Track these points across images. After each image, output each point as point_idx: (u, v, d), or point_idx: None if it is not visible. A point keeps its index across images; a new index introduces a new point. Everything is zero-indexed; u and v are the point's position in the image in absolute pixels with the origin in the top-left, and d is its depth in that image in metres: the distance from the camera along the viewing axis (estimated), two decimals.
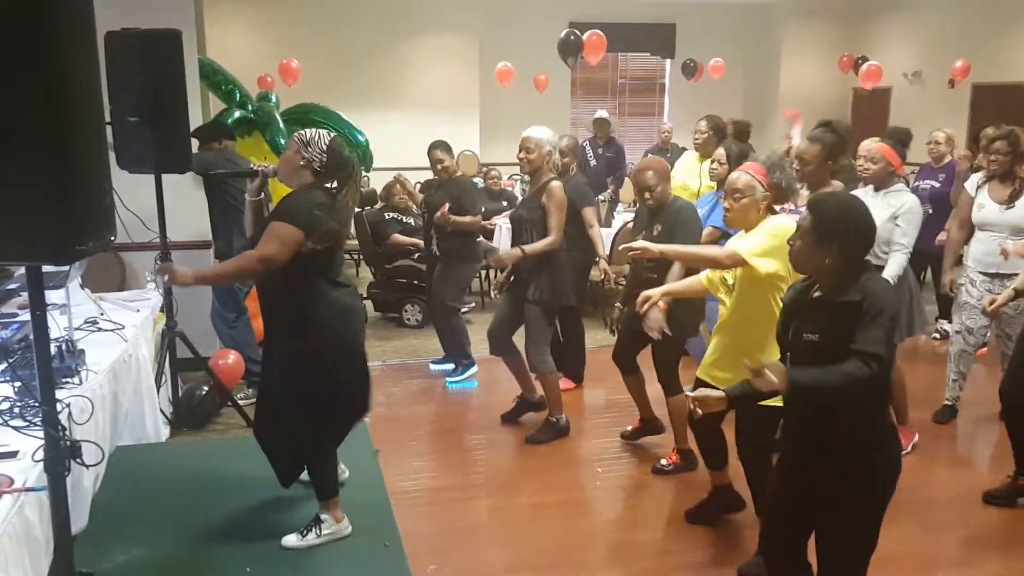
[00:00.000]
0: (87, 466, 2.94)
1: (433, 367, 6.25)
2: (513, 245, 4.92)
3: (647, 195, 4.36)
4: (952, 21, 12.06)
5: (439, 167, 5.83)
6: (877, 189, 4.48)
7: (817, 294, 2.60)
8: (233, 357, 5.24)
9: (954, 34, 11.94)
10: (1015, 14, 11.04)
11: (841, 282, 2.53)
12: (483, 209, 6.14)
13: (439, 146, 5.86)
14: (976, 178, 5.08)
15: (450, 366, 6.10)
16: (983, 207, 4.89)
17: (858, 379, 2.36)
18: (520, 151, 4.81)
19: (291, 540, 3.68)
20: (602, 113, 9.02)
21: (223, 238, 5.42)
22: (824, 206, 2.60)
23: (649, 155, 9.49)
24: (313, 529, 3.69)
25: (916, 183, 6.42)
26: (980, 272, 4.88)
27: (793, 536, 2.77)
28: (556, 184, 4.78)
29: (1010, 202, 4.76)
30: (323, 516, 3.72)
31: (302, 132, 3.61)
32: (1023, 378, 4.03)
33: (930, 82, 12.48)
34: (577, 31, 10.48)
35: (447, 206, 5.60)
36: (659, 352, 4.36)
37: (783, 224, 3.32)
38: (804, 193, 4.14)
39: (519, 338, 5.02)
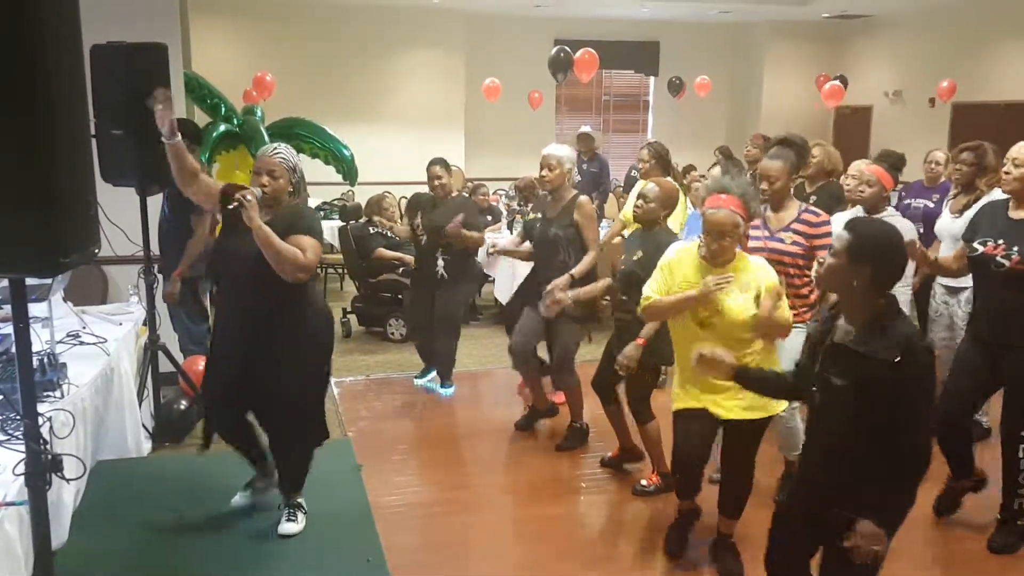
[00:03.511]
0: (68, 480, 2.92)
1: (419, 382, 6.17)
2: (542, 266, 4.88)
3: (639, 202, 4.34)
4: (933, 41, 12.24)
5: (436, 183, 5.72)
6: (869, 212, 4.49)
7: (850, 332, 2.55)
8: None
9: (935, 54, 12.11)
10: (994, 34, 11.22)
11: (863, 310, 2.52)
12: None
13: (439, 163, 5.79)
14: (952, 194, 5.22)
15: (432, 375, 6.10)
16: (942, 219, 5.08)
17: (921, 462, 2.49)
18: (542, 169, 4.81)
19: (290, 528, 3.87)
20: (586, 128, 9.07)
21: (174, 256, 5.12)
22: (863, 228, 2.60)
23: (633, 171, 9.59)
24: (298, 513, 3.92)
25: (907, 201, 6.46)
26: (941, 284, 5.02)
27: (803, 558, 2.79)
28: (584, 198, 4.84)
29: (961, 212, 4.91)
30: (300, 500, 3.96)
31: (285, 157, 3.63)
32: (955, 400, 3.99)
33: (911, 101, 12.64)
34: (567, 48, 10.56)
35: (461, 217, 5.44)
36: (631, 379, 4.32)
37: (767, 274, 3.43)
38: (769, 215, 4.12)
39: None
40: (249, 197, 3.47)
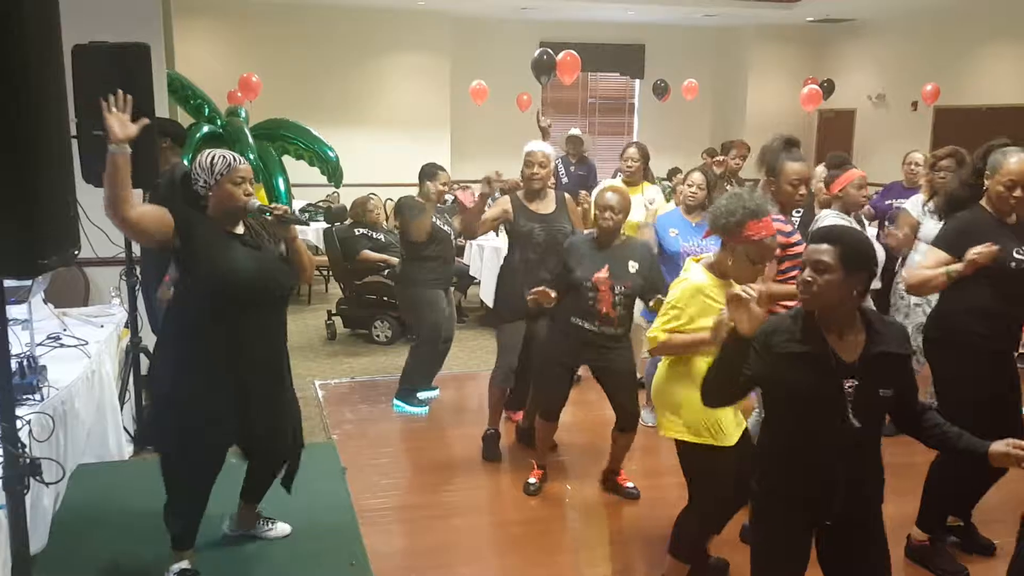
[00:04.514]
0: (47, 484, 2.90)
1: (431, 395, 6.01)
2: (549, 265, 4.61)
3: (607, 214, 4.12)
4: (916, 45, 12.32)
5: (444, 188, 5.71)
6: (849, 214, 4.48)
7: (879, 348, 2.44)
8: None
9: (918, 58, 12.20)
10: (977, 39, 11.31)
11: (854, 317, 2.46)
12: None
13: (442, 168, 5.76)
14: (917, 199, 5.15)
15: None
16: (926, 225, 4.92)
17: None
18: (532, 166, 4.69)
19: (285, 528, 3.87)
20: (575, 131, 9.05)
21: (155, 258, 5.03)
22: (846, 236, 2.45)
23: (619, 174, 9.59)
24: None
25: (888, 202, 6.50)
26: None
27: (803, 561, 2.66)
28: (569, 197, 4.92)
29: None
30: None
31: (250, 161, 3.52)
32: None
33: (894, 105, 12.72)
34: (551, 50, 10.56)
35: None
36: (625, 384, 4.29)
37: None
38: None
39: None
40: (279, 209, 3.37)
